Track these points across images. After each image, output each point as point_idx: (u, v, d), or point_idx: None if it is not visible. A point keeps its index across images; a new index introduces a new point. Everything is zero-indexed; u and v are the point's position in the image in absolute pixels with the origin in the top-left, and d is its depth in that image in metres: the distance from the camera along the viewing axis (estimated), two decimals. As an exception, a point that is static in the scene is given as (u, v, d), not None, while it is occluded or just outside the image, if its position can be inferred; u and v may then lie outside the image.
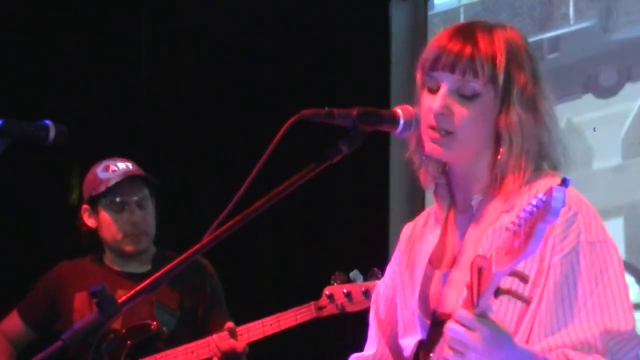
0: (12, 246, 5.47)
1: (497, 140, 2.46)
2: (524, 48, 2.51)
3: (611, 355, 2.31)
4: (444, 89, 2.45)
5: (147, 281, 2.28)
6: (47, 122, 2.65)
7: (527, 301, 2.24)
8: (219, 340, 4.25)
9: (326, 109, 2.37)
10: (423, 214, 2.71)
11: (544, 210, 2.02)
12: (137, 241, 4.43)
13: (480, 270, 2.18)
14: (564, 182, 2.03)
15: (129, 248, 4.43)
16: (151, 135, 5.67)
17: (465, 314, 2.20)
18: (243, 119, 5.68)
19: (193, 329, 4.44)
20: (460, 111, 2.44)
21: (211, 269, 4.54)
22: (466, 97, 2.44)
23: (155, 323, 4.34)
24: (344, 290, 4.20)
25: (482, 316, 2.19)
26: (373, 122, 2.41)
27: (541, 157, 2.48)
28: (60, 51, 5.63)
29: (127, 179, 4.44)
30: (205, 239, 2.30)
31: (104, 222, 4.45)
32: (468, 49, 2.44)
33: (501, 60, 2.44)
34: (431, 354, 2.45)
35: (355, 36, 5.63)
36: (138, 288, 2.27)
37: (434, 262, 2.56)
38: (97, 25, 5.75)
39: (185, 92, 5.78)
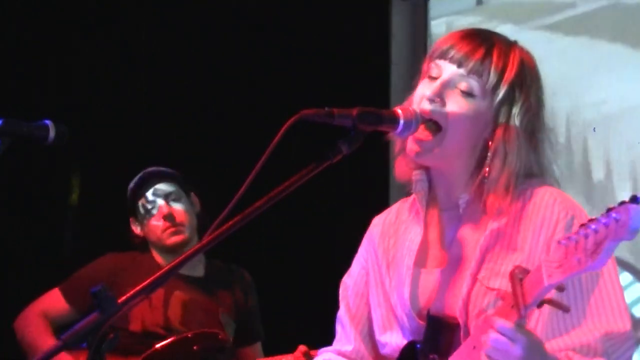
0: (12, 246, 5.47)
1: (484, 153, 2.47)
2: (536, 73, 2.52)
3: (607, 356, 2.33)
4: (443, 78, 2.46)
5: (147, 281, 2.28)
6: (47, 122, 2.65)
7: (567, 310, 2.25)
8: None
9: (326, 109, 2.37)
10: (393, 209, 2.70)
11: (618, 229, 1.98)
12: (175, 232, 4.52)
13: (520, 281, 2.18)
14: (636, 200, 1.99)
15: (169, 241, 4.52)
16: (151, 135, 5.66)
17: (507, 325, 2.20)
18: (243, 119, 5.68)
19: (241, 339, 4.55)
20: (454, 104, 2.45)
21: (252, 281, 4.69)
22: (463, 93, 2.45)
23: (222, 333, 4.41)
24: None
25: (521, 326, 2.21)
26: (373, 122, 2.41)
27: (532, 176, 2.48)
28: (61, 51, 5.63)
29: (147, 180, 4.59)
30: (206, 239, 2.30)
31: (145, 225, 4.58)
32: (481, 51, 2.46)
33: (509, 75, 2.46)
34: (432, 355, 2.44)
35: (355, 36, 5.63)
36: (138, 288, 2.26)
37: (419, 260, 2.55)
38: (97, 26, 5.75)
39: (185, 92, 5.78)
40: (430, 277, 2.51)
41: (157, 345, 4.32)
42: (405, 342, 2.52)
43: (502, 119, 2.46)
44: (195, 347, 4.34)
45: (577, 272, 2.09)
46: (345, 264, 4.54)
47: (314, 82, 5.54)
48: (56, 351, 2.19)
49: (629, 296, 4.76)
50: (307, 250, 5.58)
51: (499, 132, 2.45)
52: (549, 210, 2.42)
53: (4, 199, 5.45)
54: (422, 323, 2.48)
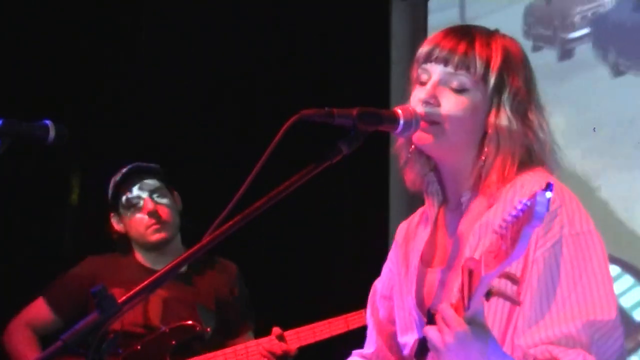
0: (11, 246, 5.47)
1: (484, 140, 2.49)
2: (521, 56, 2.55)
3: (597, 347, 2.31)
4: (434, 79, 2.48)
5: (147, 281, 2.28)
6: (47, 122, 2.65)
7: (517, 303, 2.24)
8: (270, 343, 4.31)
9: (326, 109, 2.37)
10: (418, 212, 2.72)
11: (529, 215, 2.01)
12: (159, 229, 4.49)
13: (470, 273, 2.17)
14: (548, 187, 2.01)
15: (153, 238, 4.49)
16: (151, 135, 5.67)
17: (447, 312, 2.20)
18: (243, 119, 5.68)
19: (227, 329, 4.51)
20: (449, 102, 2.46)
21: (240, 275, 4.65)
22: (455, 90, 2.47)
23: (198, 324, 4.40)
24: None
25: (473, 321, 2.19)
26: (373, 122, 2.41)
27: (530, 160, 2.50)
28: (61, 52, 5.63)
29: (132, 174, 4.54)
30: (205, 239, 2.30)
31: (128, 222, 4.53)
32: (463, 45, 2.48)
33: (495, 62, 2.48)
34: (430, 352, 2.44)
35: (355, 36, 5.63)
36: (138, 288, 2.27)
37: (426, 260, 2.57)
38: (97, 26, 5.75)
39: (185, 92, 5.78)
40: (434, 276, 2.53)
41: (138, 346, 4.34)
42: None
43: (494, 106, 2.48)
44: (173, 342, 4.36)
45: (507, 261, 2.07)
46: (345, 264, 4.55)
47: (314, 82, 5.54)
48: (56, 351, 2.19)
49: (630, 299, 4.75)
50: (307, 250, 5.58)
51: (491, 118, 2.47)
52: None
53: (4, 199, 5.45)
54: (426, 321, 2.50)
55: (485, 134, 2.49)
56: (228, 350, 4.39)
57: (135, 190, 4.52)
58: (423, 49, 2.52)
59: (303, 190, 2.39)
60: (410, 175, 2.60)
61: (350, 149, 2.38)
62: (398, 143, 2.58)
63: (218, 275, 4.55)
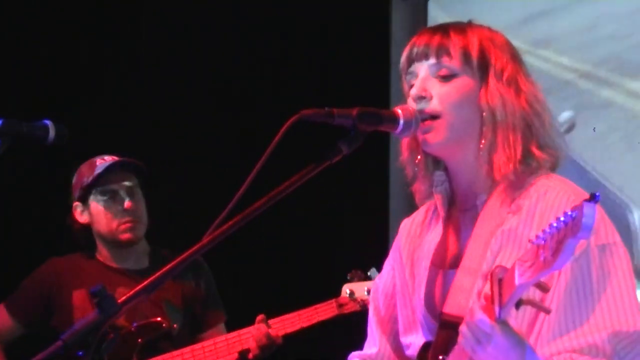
0: (11, 246, 5.47)
1: (483, 125, 2.47)
2: (502, 37, 2.54)
3: (619, 358, 2.30)
4: (421, 75, 2.49)
5: (147, 281, 2.27)
6: (47, 122, 2.65)
7: (547, 311, 2.23)
8: (257, 332, 4.27)
9: (326, 109, 2.37)
10: (421, 210, 2.69)
11: (574, 226, 1.98)
12: (132, 228, 4.39)
13: (500, 281, 2.16)
14: (594, 198, 1.97)
15: (125, 236, 4.38)
16: (151, 135, 5.67)
17: (483, 317, 2.19)
18: (243, 119, 5.68)
19: (194, 325, 4.46)
20: (440, 92, 2.46)
21: (206, 267, 4.55)
22: (444, 78, 2.47)
23: (165, 321, 4.33)
24: (365, 287, 4.25)
25: (503, 323, 2.19)
26: (373, 122, 2.41)
27: (534, 139, 2.46)
28: (61, 52, 5.63)
29: (115, 168, 4.41)
30: (205, 239, 2.29)
31: (97, 214, 4.41)
32: (437, 37, 2.50)
33: (473, 43, 2.48)
34: (441, 356, 2.43)
35: (355, 36, 5.63)
36: (138, 288, 2.26)
37: (437, 261, 2.54)
38: (97, 26, 5.75)
39: (185, 92, 5.78)
40: (446, 278, 2.50)
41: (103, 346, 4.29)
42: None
43: (482, 83, 2.47)
44: (139, 340, 4.29)
45: (545, 272, 2.06)
46: (345, 263, 4.55)
47: (314, 82, 5.54)
48: (57, 351, 2.18)
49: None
50: (307, 251, 5.58)
51: (482, 95, 2.46)
52: (561, 210, 2.39)
53: (4, 199, 5.45)
54: (437, 324, 2.48)
55: (483, 117, 2.47)
56: (196, 346, 4.31)
57: (114, 184, 4.38)
58: (402, 58, 2.56)
59: (303, 190, 2.39)
60: (420, 187, 2.58)
61: (350, 149, 2.38)
62: (403, 157, 2.57)
63: (183, 271, 4.37)
